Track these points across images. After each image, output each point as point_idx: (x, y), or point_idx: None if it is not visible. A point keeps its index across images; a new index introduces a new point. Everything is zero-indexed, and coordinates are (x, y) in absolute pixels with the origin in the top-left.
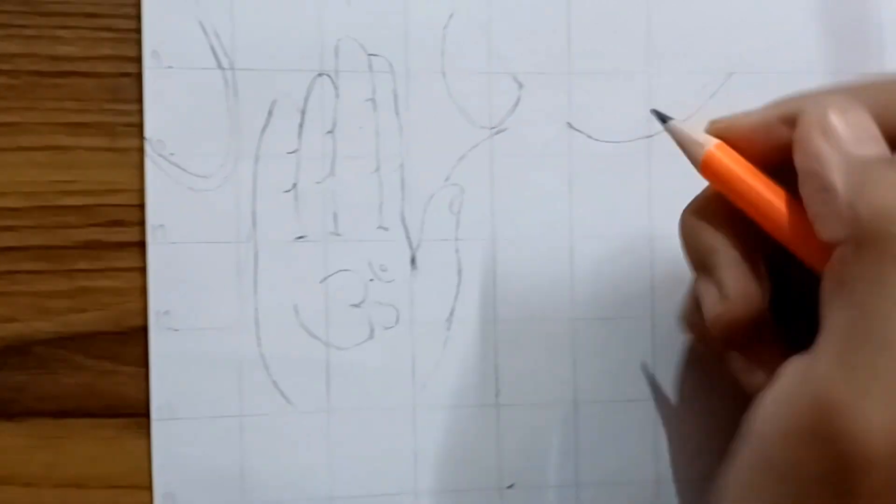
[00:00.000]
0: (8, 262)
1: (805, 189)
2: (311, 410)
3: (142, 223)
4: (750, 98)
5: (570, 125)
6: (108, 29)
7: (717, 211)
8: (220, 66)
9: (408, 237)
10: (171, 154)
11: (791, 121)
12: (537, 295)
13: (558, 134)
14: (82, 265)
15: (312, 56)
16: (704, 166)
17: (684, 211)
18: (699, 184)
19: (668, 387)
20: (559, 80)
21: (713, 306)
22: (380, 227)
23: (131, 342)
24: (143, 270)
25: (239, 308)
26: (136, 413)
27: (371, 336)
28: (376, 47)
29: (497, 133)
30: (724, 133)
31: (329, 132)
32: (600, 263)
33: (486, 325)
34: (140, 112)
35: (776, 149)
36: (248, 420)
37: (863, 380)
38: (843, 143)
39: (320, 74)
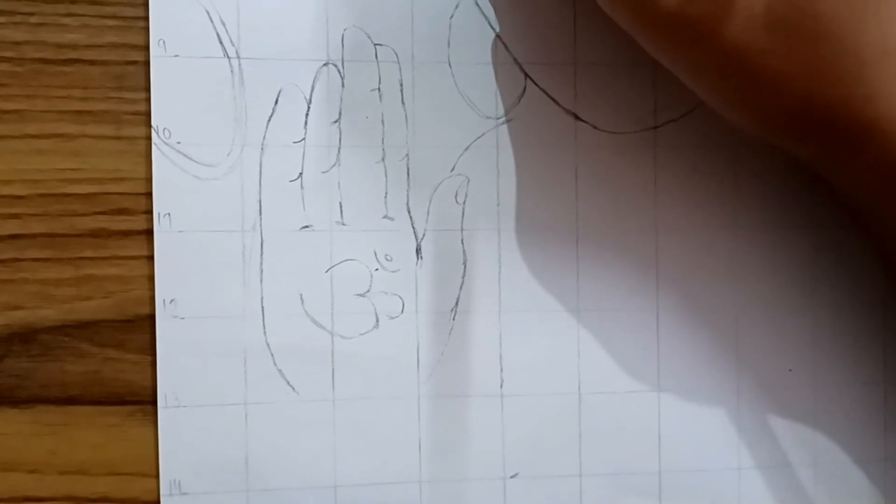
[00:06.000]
0: (13, 249)
1: None
2: (315, 399)
3: (147, 211)
4: None
5: (575, 116)
6: (114, 17)
7: None
8: (226, 55)
9: (413, 227)
10: (178, 143)
11: None
12: (542, 285)
13: (564, 124)
14: (88, 253)
15: (318, 45)
16: None
17: None
18: (705, 175)
19: (673, 378)
20: (565, 70)
21: None
22: (385, 217)
23: (136, 330)
24: (148, 259)
25: (245, 297)
26: (141, 401)
27: (376, 325)
28: (382, 37)
29: (503, 123)
30: None
31: (335, 122)
32: (605, 254)
33: (491, 316)
34: (146, 100)
35: None
36: (254, 408)
37: None
38: None
39: (326, 64)
